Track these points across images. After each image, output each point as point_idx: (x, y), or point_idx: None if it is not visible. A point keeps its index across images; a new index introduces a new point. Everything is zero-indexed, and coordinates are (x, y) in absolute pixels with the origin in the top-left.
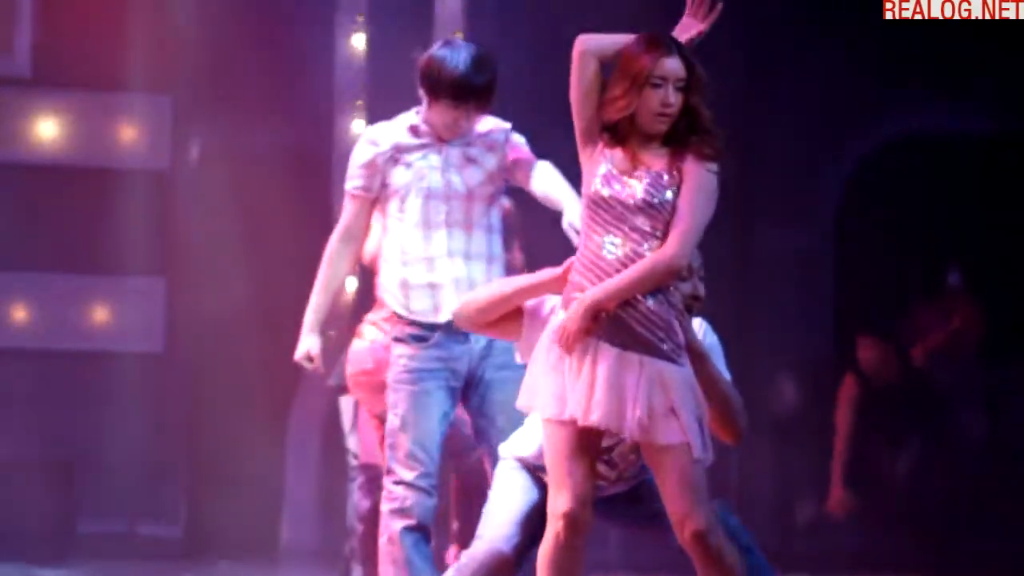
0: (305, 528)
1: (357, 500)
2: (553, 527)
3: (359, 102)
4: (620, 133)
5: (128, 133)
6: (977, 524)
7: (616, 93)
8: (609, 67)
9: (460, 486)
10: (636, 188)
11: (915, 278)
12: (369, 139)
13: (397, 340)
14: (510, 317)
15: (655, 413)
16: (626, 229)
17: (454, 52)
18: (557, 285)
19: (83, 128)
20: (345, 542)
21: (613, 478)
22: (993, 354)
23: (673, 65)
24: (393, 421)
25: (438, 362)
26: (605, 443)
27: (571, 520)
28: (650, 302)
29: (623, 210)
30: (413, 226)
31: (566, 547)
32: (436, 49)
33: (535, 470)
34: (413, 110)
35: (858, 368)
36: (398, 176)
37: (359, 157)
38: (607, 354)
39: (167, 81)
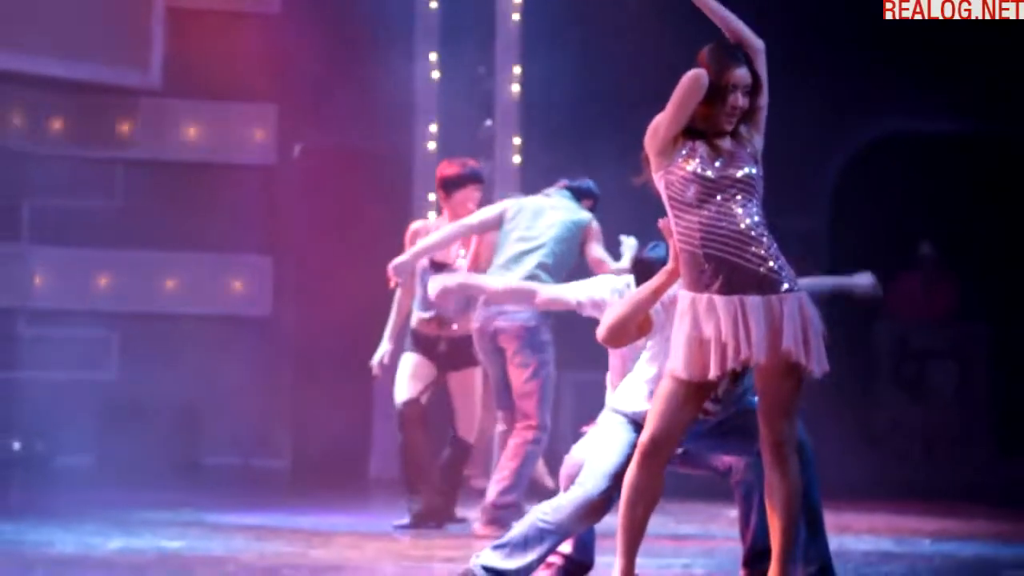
0: (388, 463)
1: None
2: (639, 452)
3: (434, 108)
4: (697, 130)
5: (241, 135)
6: (951, 455)
7: (709, 106)
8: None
9: None
10: (736, 168)
11: (897, 253)
12: None
13: None
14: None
15: (797, 341)
16: (731, 199)
17: None
18: (671, 281)
19: (205, 131)
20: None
21: (719, 411)
22: (962, 315)
23: (744, 74)
24: None
25: None
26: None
27: (649, 451)
28: (766, 253)
29: (728, 184)
30: None
31: (643, 469)
32: None
33: (636, 423)
34: None
35: None
36: None
37: None
38: (752, 303)
39: (273, 92)
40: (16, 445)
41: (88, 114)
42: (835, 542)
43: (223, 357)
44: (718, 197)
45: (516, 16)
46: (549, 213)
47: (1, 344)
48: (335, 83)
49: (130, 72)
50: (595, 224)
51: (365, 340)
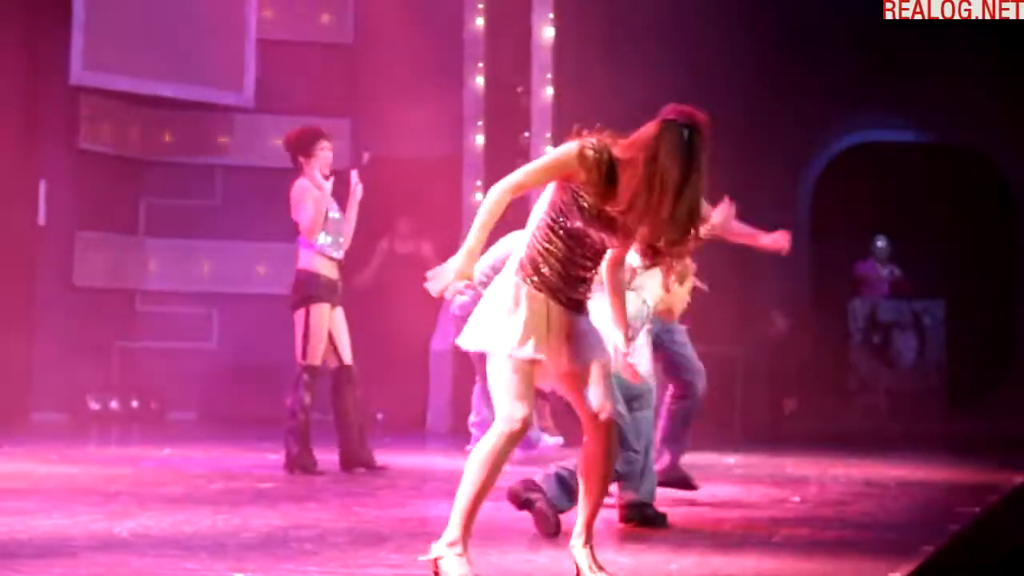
0: (441, 415)
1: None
2: (508, 427)
3: (480, 122)
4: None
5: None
6: (911, 410)
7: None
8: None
9: None
10: (604, 242)
11: (861, 243)
12: None
13: None
14: None
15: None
16: (587, 250)
17: None
18: None
19: None
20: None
21: None
22: (920, 295)
23: None
24: None
25: None
26: None
27: (525, 424)
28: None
29: (591, 242)
30: None
31: (511, 442)
32: None
33: None
34: None
35: None
36: None
37: None
38: (576, 318)
39: (347, 109)
40: (134, 403)
41: (193, 128)
42: (816, 483)
43: None
44: (583, 240)
45: (550, 37)
46: None
47: (122, 319)
48: (398, 101)
49: (227, 93)
50: None
51: (425, 318)
